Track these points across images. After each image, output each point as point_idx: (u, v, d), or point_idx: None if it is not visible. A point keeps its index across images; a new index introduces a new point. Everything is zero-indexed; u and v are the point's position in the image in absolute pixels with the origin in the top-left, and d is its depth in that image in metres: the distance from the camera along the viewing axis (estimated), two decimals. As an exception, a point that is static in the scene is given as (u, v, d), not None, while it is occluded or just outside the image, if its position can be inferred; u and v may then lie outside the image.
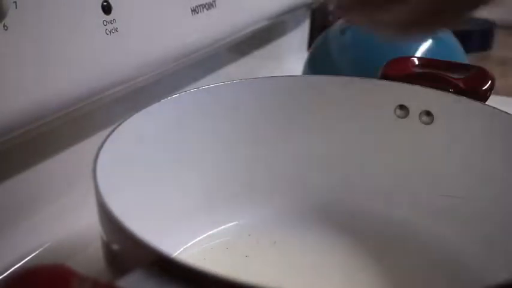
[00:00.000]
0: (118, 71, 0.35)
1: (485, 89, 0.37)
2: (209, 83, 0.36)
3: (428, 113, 0.37)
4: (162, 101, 0.33)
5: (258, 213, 0.39)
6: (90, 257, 0.34)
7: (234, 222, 0.38)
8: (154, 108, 0.33)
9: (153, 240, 0.20)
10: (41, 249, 0.36)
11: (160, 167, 0.34)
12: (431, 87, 0.37)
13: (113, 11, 0.34)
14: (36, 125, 0.31)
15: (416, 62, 0.41)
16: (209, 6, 0.43)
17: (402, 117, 0.38)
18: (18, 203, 0.35)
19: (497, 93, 0.42)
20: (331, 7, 0.76)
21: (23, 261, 0.34)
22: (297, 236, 0.37)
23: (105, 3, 0.34)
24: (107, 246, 0.23)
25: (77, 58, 0.32)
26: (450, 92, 0.36)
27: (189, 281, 0.19)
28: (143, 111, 0.32)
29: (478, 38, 0.84)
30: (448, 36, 0.53)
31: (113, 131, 0.29)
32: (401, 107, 0.38)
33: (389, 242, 0.37)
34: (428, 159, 0.38)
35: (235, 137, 0.38)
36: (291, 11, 0.60)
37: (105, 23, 0.34)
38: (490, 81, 0.37)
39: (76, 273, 0.18)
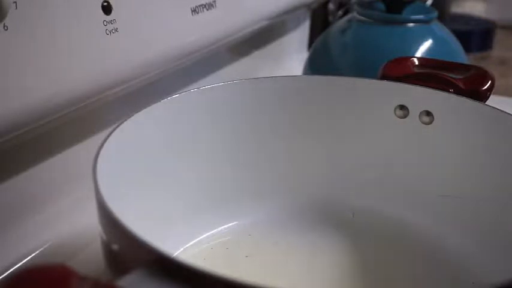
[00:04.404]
0: (118, 71, 0.35)
1: (485, 89, 0.37)
2: (209, 83, 0.36)
3: (428, 113, 0.37)
4: (162, 101, 0.33)
5: (258, 213, 0.39)
6: (90, 257, 0.34)
7: (234, 222, 0.38)
8: (154, 108, 0.33)
9: (153, 240, 0.20)
10: (41, 249, 0.36)
11: (160, 166, 0.34)
12: (431, 87, 0.37)
13: (113, 11, 0.34)
14: (37, 125, 0.31)
15: (416, 62, 0.41)
16: (209, 6, 0.43)
17: (402, 117, 0.38)
18: (18, 203, 0.35)
19: (497, 93, 0.42)
20: (331, 7, 0.76)
21: (23, 261, 0.34)
22: (297, 236, 0.37)
23: (105, 3, 0.34)
24: (107, 246, 0.23)
25: (77, 58, 0.32)
26: (450, 92, 0.36)
27: (189, 281, 0.19)
28: (143, 111, 0.32)
29: (478, 38, 0.84)
30: (448, 36, 0.54)
31: (113, 131, 0.29)
32: (402, 107, 0.38)
33: (389, 242, 0.37)
34: (428, 159, 0.38)
35: (235, 137, 0.38)
36: (291, 11, 0.60)
37: (105, 23, 0.34)
38: (490, 81, 0.37)
39: (76, 273, 0.18)
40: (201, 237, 0.36)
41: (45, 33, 0.30)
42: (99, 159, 0.26)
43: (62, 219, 0.37)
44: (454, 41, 0.53)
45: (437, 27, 0.53)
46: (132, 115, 0.31)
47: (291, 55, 0.72)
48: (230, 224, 0.38)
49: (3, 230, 0.34)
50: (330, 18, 0.76)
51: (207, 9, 0.43)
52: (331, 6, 0.76)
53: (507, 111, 0.34)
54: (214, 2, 0.44)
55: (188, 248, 0.35)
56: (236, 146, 0.38)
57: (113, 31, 0.34)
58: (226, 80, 0.37)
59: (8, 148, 0.33)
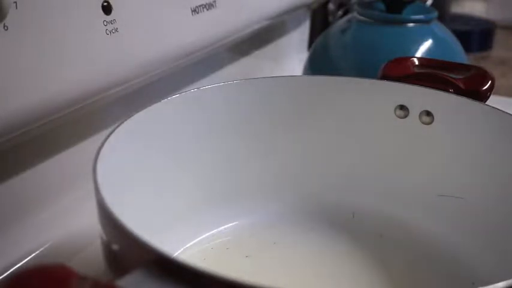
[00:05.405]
0: (118, 71, 0.35)
1: (485, 89, 0.37)
2: (209, 83, 0.36)
3: (428, 113, 0.37)
4: (163, 101, 0.33)
5: (258, 213, 0.39)
6: (90, 257, 0.34)
7: (235, 222, 0.38)
8: (154, 108, 0.33)
9: (153, 240, 0.20)
10: (41, 249, 0.36)
11: (160, 166, 0.34)
12: (431, 87, 0.37)
13: (113, 11, 0.34)
14: (36, 125, 0.31)
15: (416, 62, 0.41)
16: (209, 6, 0.43)
17: (402, 117, 0.38)
18: (18, 203, 0.35)
19: (497, 93, 0.42)
20: (331, 7, 0.76)
21: (23, 261, 0.34)
22: (297, 236, 0.37)
23: (105, 3, 0.34)
24: (107, 246, 0.23)
25: (77, 58, 0.32)
26: (450, 92, 0.36)
27: (189, 281, 0.19)
28: (143, 111, 0.32)
29: (478, 38, 0.84)
30: (448, 36, 0.54)
31: (113, 131, 0.29)
32: (402, 107, 0.38)
33: (389, 242, 0.37)
34: (428, 159, 0.38)
35: (235, 137, 0.38)
36: (291, 11, 0.60)
37: (105, 23, 0.34)
38: (490, 81, 0.37)
39: (76, 273, 0.18)
40: (201, 237, 0.36)
41: (45, 33, 0.30)
42: (99, 159, 0.26)
43: (62, 220, 0.37)
44: (454, 41, 0.53)
45: (437, 27, 0.53)
46: (132, 115, 0.31)
47: (291, 55, 0.72)
48: (230, 224, 0.38)
49: (3, 230, 0.34)
50: (330, 18, 0.76)
51: (207, 9, 0.43)
52: (331, 6, 0.76)
53: (507, 111, 0.34)
54: (214, 2, 0.44)
55: (188, 248, 0.35)
56: (236, 146, 0.38)
57: (113, 31, 0.34)
58: (226, 80, 0.37)
59: (8, 148, 0.33)
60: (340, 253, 0.36)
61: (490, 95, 0.37)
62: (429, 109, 0.37)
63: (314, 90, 0.39)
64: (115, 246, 0.22)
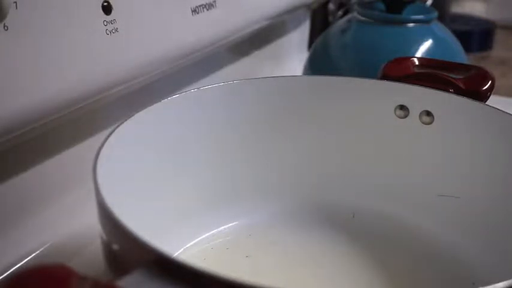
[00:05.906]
0: (118, 71, 0.35)
1: (485, 89, 0.37)
2: (209, 83, 0.36)
3: (428, 113, 0.37)
4: (163, 101, 0.33)
5: (258, 213, 0.39)
6: (90, 257, 0.34)
7: (234, 222, 0.38)
8: (154, 108, 0.33)
9: (153, 240, 0.20)
10: (41, 249, 0.36)
11: (160, 167, 0.34)
12: (431, 87, 0.37)
13: (113, 11, 0.34)
14: (36, 125, 0.31)
15: (416, 62, 0.41)
16: (209, 6, 0.43)
17: (402, 117, 0.38)
18: (19, 203, 0.35)
19: (497, 93, 0.42)
20: (331, 7, 0.76)
21: (23, 261, 0.34)
22: (297, 236, 0.37)
23: (105, 4, 0.34)
24: (107, 246, 0.23)
25: (77, 58, 0.32)
26: (450, 92, 0.36)
27: (189, 281, 0.19)
28: (143, 111, 0.32)
29: (478, 38, 0.84)
30: (448, 36, 0.54)
31: (113, 130, 0.29)
32: (402, 107, 0.38)
33: (389, 242, 0.37)
34: (428, 159, 0.38)
35: (235, 137, 0.38)
36: (291, 11, 0.60)
37: (105, 23, 0.34)
38: (490, 81, 0.37)
39: (76, 273, 0.18)
40: (201, 237, 0.36)
41: (45, 33, 0.30)
42: (99, 159, 0.26)
43: (62, 220, 0.37)
44: (454, 41, 0.53)
45: (437, 27, 0.53)
46: (133, 115, 0.31)
47: (291, 55, 0.72)
48: (230, 224, 0.38)
49: (3, 230, 0.34)
50: (330, 18, 0.76)
51: (207, 9, 0.43)
52: (331, 6, 0.76)
53: (507, 111, 0.34)
54: (214, 2, 0.44)
55: (188, 248, 0.35)
56: (236, 146, 0.38)
57: (113, 31, 0.34)
58: (226, 80, 0.37)
59: (8, 148, 0.33)
60: (340, 253, 0.36)
61: (490, 95, 0.37)
62: (429, 109, 0.37)
63: (314, 90, 0.39)
64: (115, 246, 0.22)
